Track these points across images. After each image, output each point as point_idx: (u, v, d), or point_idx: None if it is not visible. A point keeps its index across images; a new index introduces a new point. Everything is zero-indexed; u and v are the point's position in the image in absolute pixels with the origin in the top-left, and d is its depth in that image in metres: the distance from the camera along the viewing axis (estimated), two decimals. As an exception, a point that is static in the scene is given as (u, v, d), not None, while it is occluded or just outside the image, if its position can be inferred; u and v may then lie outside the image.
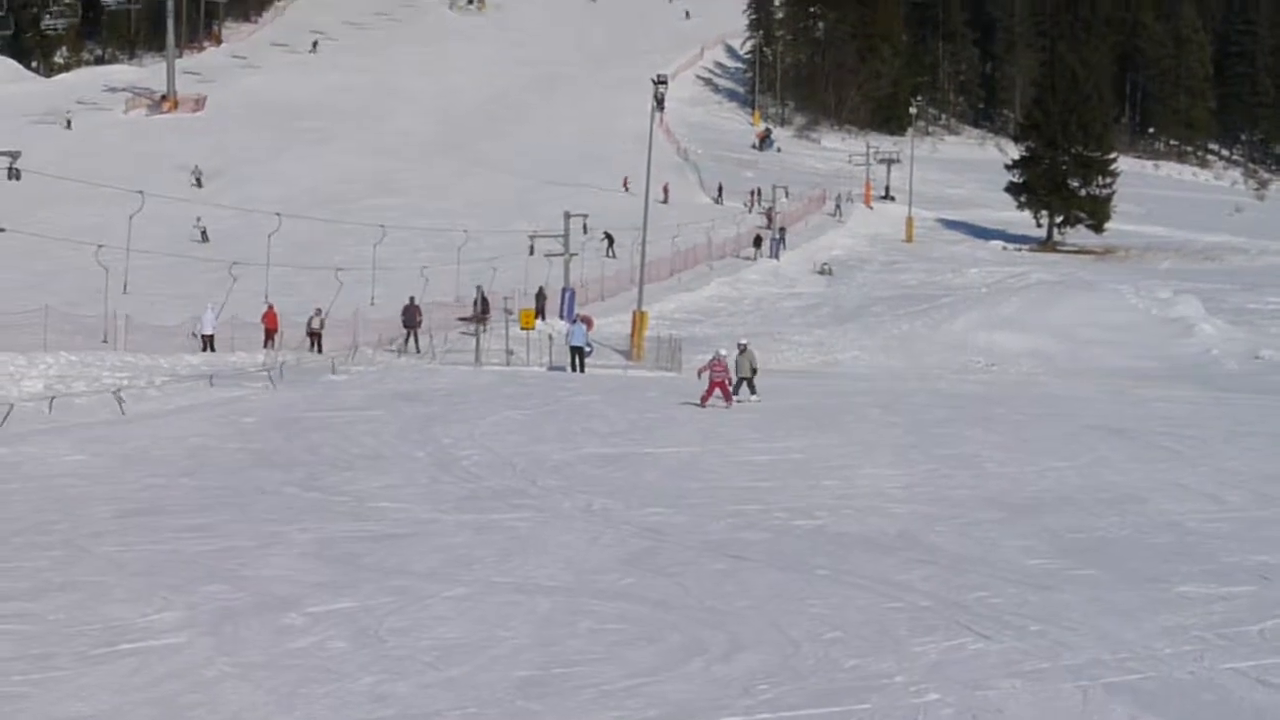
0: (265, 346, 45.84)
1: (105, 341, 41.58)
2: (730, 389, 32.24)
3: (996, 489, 20.60)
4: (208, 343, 45.55)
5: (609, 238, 71.58)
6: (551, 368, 44.89)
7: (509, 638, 11.40)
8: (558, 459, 23.09)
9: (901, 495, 19.94)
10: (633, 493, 19.62)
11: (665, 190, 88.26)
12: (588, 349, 45.01)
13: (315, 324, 47.99)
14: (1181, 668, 10.64)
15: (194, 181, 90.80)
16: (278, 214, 57.48)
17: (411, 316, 49.63)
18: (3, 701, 9.34)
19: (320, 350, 46.09)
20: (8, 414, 25.72)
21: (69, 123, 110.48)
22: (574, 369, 43.45)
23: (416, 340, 48.97)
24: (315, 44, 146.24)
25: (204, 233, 73.59)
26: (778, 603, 12.76)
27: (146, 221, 60.86)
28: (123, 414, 28.20)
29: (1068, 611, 12.60)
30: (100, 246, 52.02)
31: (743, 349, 34.08)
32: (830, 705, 9.55)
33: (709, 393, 31.82)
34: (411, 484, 20.23)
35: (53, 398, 28.36)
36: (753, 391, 33.22)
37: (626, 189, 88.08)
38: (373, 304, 54.77)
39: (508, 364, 45.37)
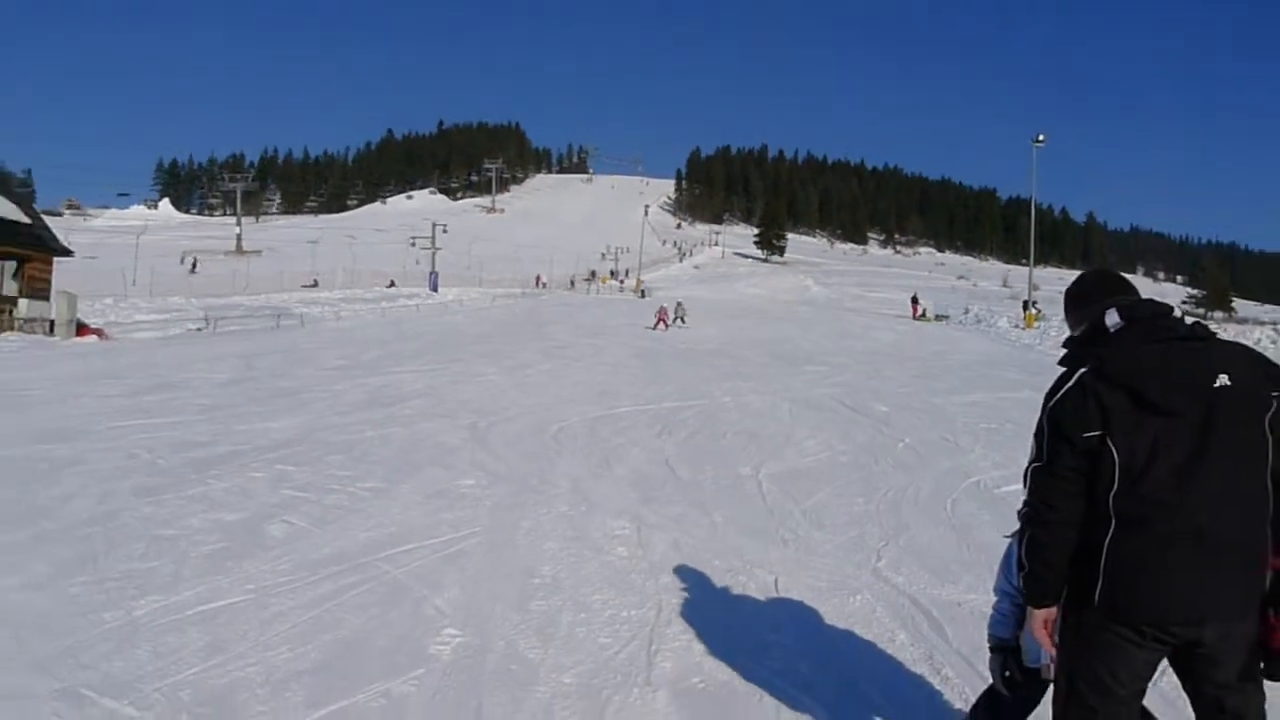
0: (535, 285, 46.26)
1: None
2: (668, 323, 21.87)
3: (730, 339, 19.35)
4: (540, 283, 46.36)
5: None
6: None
7: (579, 381, 10.92)
8: (596, 326, 21.99)
9: (715, 337, 19.33)
10: (626, 340, 18.75)
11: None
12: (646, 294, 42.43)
13: (543, 280, 48.42)
14: (809, 392, 10.41)
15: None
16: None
17: (592, 276, 50.04)
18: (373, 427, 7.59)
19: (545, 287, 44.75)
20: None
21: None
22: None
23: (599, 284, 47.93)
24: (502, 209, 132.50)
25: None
26: (671, 371, 12.43)
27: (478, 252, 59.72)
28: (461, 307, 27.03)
29: (768, 374, 12.21)
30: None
31: (678, 304, 23.98)
32: (688, 400, 9.39)
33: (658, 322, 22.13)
34: (566, 333, 19.11)
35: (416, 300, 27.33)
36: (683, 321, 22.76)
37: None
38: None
39: (600, 294, 44.02)
